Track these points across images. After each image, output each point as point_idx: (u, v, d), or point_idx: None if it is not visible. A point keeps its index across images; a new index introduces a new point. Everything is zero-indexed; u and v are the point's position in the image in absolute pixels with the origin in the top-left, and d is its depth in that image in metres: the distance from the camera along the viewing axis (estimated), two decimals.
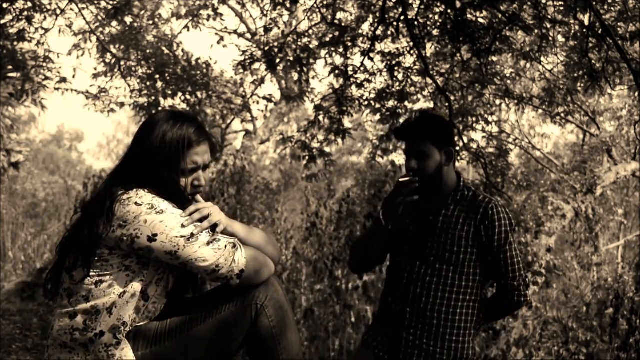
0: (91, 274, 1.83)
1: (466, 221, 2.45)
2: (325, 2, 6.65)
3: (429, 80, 6.94)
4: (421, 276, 2.44)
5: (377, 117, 7.05)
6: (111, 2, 7.94)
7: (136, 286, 1.84)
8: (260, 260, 1.89)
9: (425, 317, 2.42)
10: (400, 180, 2.46)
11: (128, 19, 8.94)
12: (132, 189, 1.84)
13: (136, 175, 1.87)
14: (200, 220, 1.84)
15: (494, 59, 7.03)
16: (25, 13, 7.37)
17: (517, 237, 7.28)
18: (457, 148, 6.93)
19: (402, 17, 5.59)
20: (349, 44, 6.34)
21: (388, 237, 2.54)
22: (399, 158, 8.92)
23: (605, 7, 5.45)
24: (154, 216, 1.79)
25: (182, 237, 1.79)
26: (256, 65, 7.53)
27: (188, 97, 8.99)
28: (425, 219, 2.50)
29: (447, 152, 2.49)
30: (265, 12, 7.03)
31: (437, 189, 2.50)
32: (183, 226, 1.80)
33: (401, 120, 7.20)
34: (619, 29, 5.58)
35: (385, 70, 6.61)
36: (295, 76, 6.99)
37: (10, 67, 7.36)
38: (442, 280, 2.43)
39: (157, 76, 8.89)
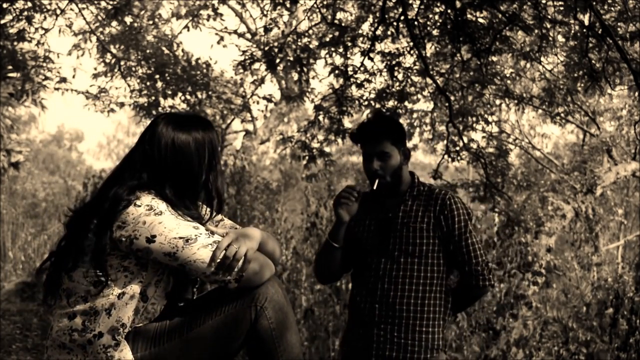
0: (90, 274, 1.82)
1: (425, 213, 2.53)
2: (325, 2, 6.65)
3: (429, 80, 6.94)
4: (387, 272, 2.52)
5: None
6: (111, 2, 7.94)
7: (135, 287, 1.83)
8: (260, 261, 1.88)
9: (394, 311, 2.49)
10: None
11: (128, 19, 8.94)
12: (135, 189, 1.83)
13: (162, 182, 1.87)
14: (229, 258, 1.80)
15: (494, 59, 7.03)
16: (25, 13, 7.37)
17: (517, 237, 7.27)
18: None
19: (402, 17, 5.59)
20: (349, 44, 6.34)
21: (345, 249, 2.61)
22: None
23: (605, 7, 5.45)
24: (152, 217, 1.78)
25: (180, 238, 1.78)
26: (256, 65, 7.53)
27: (188, 97, 8.99)
28: (385, 217, 2.57)
29: (405, 152, 2.59)
30: (265, 12, 7.03)
31: (395, 188, 2.59)
32: (182, 228, 1.79)
33: (401, 120, 7.21)
34: (619, 29, 5.58)
35: (385, 70, 6.60)
36: (295, 76, 6.99)
37: (10, 67, 7.36)
38: (408, 274, 2.50)
39: (157, 76, 8.90)
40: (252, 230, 1.92)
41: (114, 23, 8.80)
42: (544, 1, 5.31)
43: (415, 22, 5.71)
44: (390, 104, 6.85)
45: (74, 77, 11.36)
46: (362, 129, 2.60)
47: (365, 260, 2.58)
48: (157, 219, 1.78)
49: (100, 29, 9.05)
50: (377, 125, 2.57)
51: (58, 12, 7.82)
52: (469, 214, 2.56)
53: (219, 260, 1.78)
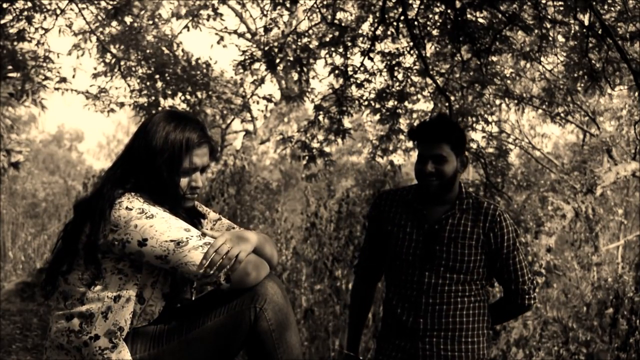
0: (85, 277, 1.82)
1: (474, 229, 2.45)
2: (325, 2, 6.64)
3: (429, 80, 6.94)
4: (432, 286, 2.44)
5: (377, 117, 7.05)
6: (111, 2, 7.94)
7: (131, 290, 1.83)
8: (253, 263, 1.86)
9: (440, 324, 2.44)
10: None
11: (128, 19, 8.93)
12: (126, 191, 1.84)
13: (135, 174, 1.87)
14: (220, 255, 1.79)
15: (494, 59, 7.02)
16: (25, 13, 7.36)
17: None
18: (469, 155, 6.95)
19: (402, 17, 5.58)
20: (349, 44, 6.34)
21: (379, 247, 2.58)
22: (398, 158, 8.91)
23: (605, 7, 5.45)
24: (144, 221, 1.78)
25: (172, 241, 1.78)
26: (256, 65, 7.52)
27: (188, 97, 8.99)
28: (431, 229, 2.47)
29: (463, 159, 2.49)
30: (265, 12, 7.01)
31: (443, 196, 2.48)
32: (173, 231, 1.79)
33: (401, 121, 7.21)
34: (619, 29, 5.57)
35: (385, 70, 6.60)
36: (295, 76, 6.98)
37: (10, 67, 7.36)
38: (453, 288, 2.44)
39: (157, 76, 8.89)
40: (248, 233, 1.90)
41: (114, 23, 8.79)
42: (544, 1, 5.31)
43: (415, 22, 5.71)
44: (390, 104, 6.85)
45: (74, 77, 11.34)
46: (422, 128, 2.48)
47: (405, 270, 2.49)
48: (148, 222, 1.78)
49: (100, 29, 9.04)
50: (437, 127, 2.44)
51: (58, 12, 7.81)
52: (516, 231, 2.50)
53: (210, 258, 1.76)
